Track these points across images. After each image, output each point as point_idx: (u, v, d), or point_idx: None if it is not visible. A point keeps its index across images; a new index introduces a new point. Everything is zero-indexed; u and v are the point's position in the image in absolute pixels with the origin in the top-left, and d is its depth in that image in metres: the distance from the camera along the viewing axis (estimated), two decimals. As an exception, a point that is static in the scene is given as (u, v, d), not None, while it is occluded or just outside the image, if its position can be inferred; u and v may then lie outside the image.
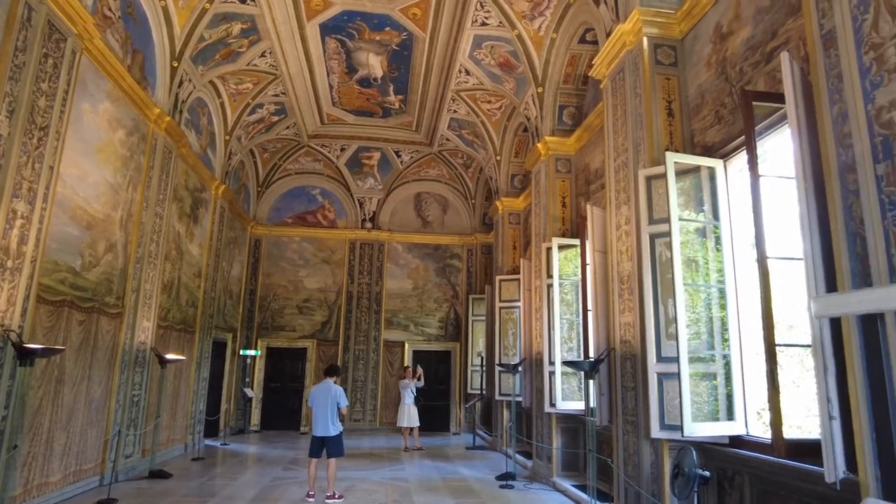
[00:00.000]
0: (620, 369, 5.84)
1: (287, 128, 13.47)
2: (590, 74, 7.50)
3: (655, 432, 5.07)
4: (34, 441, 6.08)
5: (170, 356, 8.73)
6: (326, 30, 10.12)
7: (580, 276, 8.06)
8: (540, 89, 9.32)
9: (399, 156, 15.17)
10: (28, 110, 5.53)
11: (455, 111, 12.43)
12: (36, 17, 5.60)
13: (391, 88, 12.26)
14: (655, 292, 5.27)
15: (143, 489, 7.36)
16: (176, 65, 8.93)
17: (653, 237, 5.41)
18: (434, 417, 14.26)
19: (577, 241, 8.32)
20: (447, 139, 13.90)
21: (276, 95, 11.94)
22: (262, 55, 10.51)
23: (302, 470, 8.82)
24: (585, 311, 7.83)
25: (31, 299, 5.69)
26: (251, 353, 14.27)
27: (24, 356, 5.09)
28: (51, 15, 5.78)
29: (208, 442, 11.74)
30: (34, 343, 5.55)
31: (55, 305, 6.32)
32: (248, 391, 13.69)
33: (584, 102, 9.22)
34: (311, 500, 6.83)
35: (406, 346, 14.96)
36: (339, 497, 6.87)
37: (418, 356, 14.82)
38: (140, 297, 8.33)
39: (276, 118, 12.90)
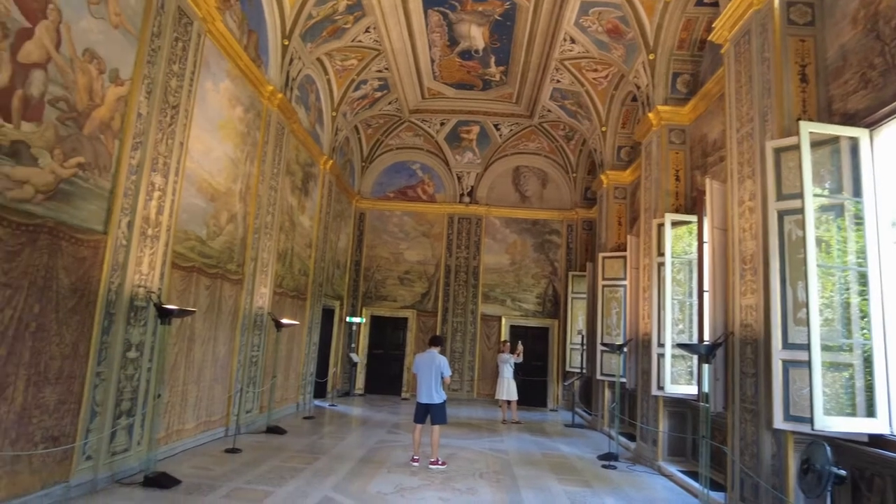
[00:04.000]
0: (739, 354, 5.48)
1: (389, 103, 13.70)
2: (709, 39, 6.96)
3: (778, 423, 4.73)
4: (172, 392, 6.74)
5: (284, 321, 9.30)
6: (429, 2, 10.09)
7: (695, 254, 7.61)
8: (651, 56, 8.78)
9: (498, 129, 15.00)
10: (162, 91, 5.99)
11: (558, 81, 12.03)
12: (168, 4, 6.00)
13: (492, 60, 12.08)
14: (783, 274, 4.86)
15: (262, 442, 7.96)
16: (287, 43, 9.29)
17: (781, 214, 4.97)
18: (531, 393, 14.24)
19: (692, 218, 7.85)
20: (548, 110, 13.53)
21: (380, 71, 12.13)
22: (367, 31, 10.69)
23: (404, 434, 9.17)
24: (701, 292, 7.40)
25: (167, 265, 6.24)
26: (356, 320, 14.92)
27: (164, 315, 5.64)
28: (180, 1, 6.17)
29: (317, 402, 12.48)
30: (171, 304, 6.09)
31: (186, 271, 6.90)
32: (354, 356, 14.37)
33: (700, 69, 8.59)
34: (415, 464, 7.07)
35: (503, 320, 14.98)
36: (443, 463, 7.06)
37: (515, 331, 14.81)
38: (258, 265, 8.90)
39: (379, 94, 13.15)
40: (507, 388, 11.42)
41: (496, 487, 6.35)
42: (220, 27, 7.17)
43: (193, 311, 6.33)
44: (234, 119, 8.03)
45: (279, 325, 9.14)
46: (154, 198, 5.93)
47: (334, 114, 12.35)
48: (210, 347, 7.66)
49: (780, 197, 5.01)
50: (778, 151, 5.08)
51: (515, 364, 11.77)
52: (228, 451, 7.14)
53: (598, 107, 11.82)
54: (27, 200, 4.39)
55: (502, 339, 14.09)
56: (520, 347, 12.22)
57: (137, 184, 5.65)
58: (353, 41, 10.87)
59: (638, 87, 9.59)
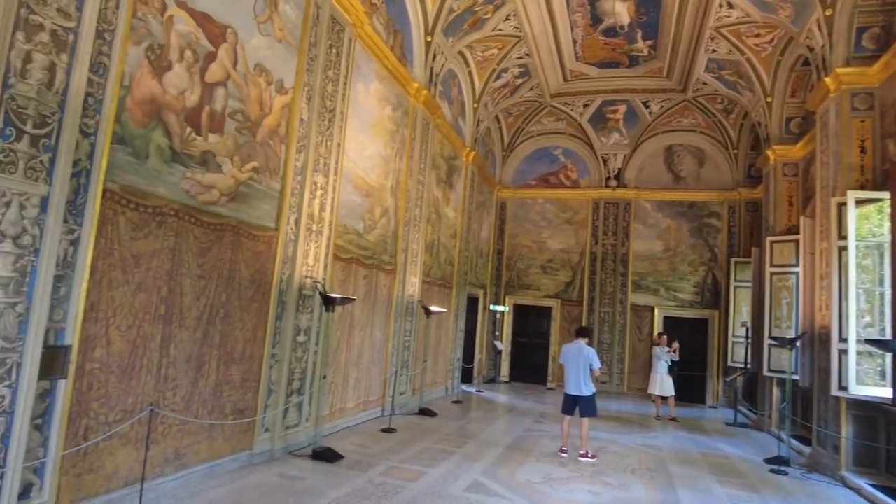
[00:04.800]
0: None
1: (530, 89, 13.55)
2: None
3: None
4: (335, 373, 7.34)
5: (433, 308, 9.67)
6: (571, -18, 9.78)
7: (887, 236, 6.59)
8: (828, 11, 7.70)
9: (647, 106, 14.15)
10: (320, 96, 6.49)
11: (714, 51, 11.04)
12: (322, 14, 6.47)
13: (639, 35, 11.40)
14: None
15: (415, 423, 8.38)
16: (429, 39, 9.56)
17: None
18: (688, 388, 13.30)
19: (883, 195, 6.79)
20: (703, 83, 12.48)
21: (520, 58, 12.04)
22: (507, 19, 10.64)
23: (552, 424, 9.11)
24: (895, 280, 6.40)
25: (329, 257, 6.79)
26: (500, 308, 15.08)
27: (328, 303, 6.17)
28: (332, 10, 6.62)
29: (464, 387, 12.85)
30: (333, 293, 6.62)
31: (346, 262, 7.45)
32: (498, 344, 14.55)
33: (894, 20, 7.35)
34: (564, 455, 7.01)
35: (655, 311, 14.18)
36: (592, 456, 6.92)
37: (669, 323, 13.94)
38: (408, 256, 9.35)
39: (519, 81, 13.06)
40: (661, 383, 10.80)
41: (650, 485, 6.07)
42: (368, 30, 7.59)
43: (354, 300, 6.83)
44: (384, 118, 8.46)
45: (428, 313, 9.53)
46: (317, 196, 6.47)
47: (476, 105, 12.51)
48: (368, 332, 8.21)
49: None
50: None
51: (673, 361, 11.03)
52: (384, 430, 7.62)
53: (762, 75, 10.65)
54: (214, 203, 5.02)
55: (658, 331, 13.30)
56: (675, 345, 11.33)
57: (302, 183, 6.20)
58: (493, 31, 10.89)
59: (811, 50, 8.48)
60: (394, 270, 8.99)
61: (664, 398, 10.88)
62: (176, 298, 4.64)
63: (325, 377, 6.51)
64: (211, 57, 4.92)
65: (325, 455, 5.95)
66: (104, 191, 3.90)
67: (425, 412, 9.15)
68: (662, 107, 14.06)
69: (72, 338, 3.68)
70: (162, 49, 4.41)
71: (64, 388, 3.67)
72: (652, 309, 14.22)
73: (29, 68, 3.29)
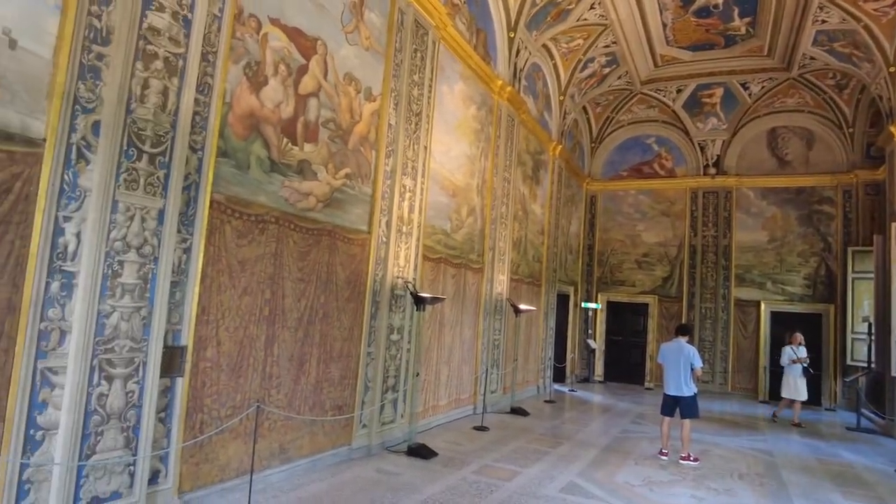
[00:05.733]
0: None
1: (618, 78, 13.08)
2: None
3: None
4: (427, 371, 7.47)
5: (522, 306, 9.60)
6: (659, -37, 9.34)
7: None
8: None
9: (746, 88, 13.23)
10: (407, 101, 6.61)
11: (822, 21, 10.14)
12: (406, 19, 6.59)
13: (735, 12, 10.68)
14: None
15: (507, 422, 8.36)
16: (512, 35, 9.48)
17: None
18: (801, 388, 12.33)
19: None
20: (811, 58, 11.49)
21: (607, 46, 11.65)
22: (591, 7, 10.34)
23: (650, 425, 8.77)
24: None
25: (419, 257, 6.92)
26: (592, 306, 14.69)
27: (419, 303, 6.31)
28: (416, 14, 6.73)
29: (557, 387, 12.65)
30: (424, 293, 6.74)
31: (434, 262, 7.55)
32: (591, 342, 14.18)
33: None
34: (664, 458, 6.72)
35: (762, 306, 13.22)
36: (695, 460, 6.58)
37: (778, 318, 12.96)
38: (495, 254, 9.33)
39: (607, 70, 12.64)
40: (796, 387, 9.95)
41: (760, 492, 5.68)
42: (451, 32, 7.64)
43: (443, 299, 6.92)
44: (469, 117, 8.49)
45: (517, 311, 9.47)
46: (406, 198, 6.62)
47: (562, 98, 12.26)
48: (457, 331, 8.28)
49: None
50: None
51: (803, 365, 10.05)
52: (476, 428, 7.66)
53: (883, 43, 9.64)
54: (311, 209, 5.26)
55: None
56: (798, 336, 10.25)
57: (392, 187, 6.36)
58: (577, 21, 10.62)
59: (944, 11, 7.57)
60: (481, 269, 9.00)
61: (793, 402, 10.04)
62: (278, 300, 4.91)
63: (417, 375, 6.64)
64: (303, 69, 5.15)
65: (420, 451, 6.07)
66: (211, 202, 4.19)
67: (517, 411, 9.10)
68: (764, 87, 13.09)
69: (187, 339, 4.00)
70: (258, 65, 4.68)
71: (182, 385, 3.99)
72: (758, 304, 13.28)
73: (146, 93, 3.61)
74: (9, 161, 3.07)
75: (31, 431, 3.16)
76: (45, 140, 3.20)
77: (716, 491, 5.61)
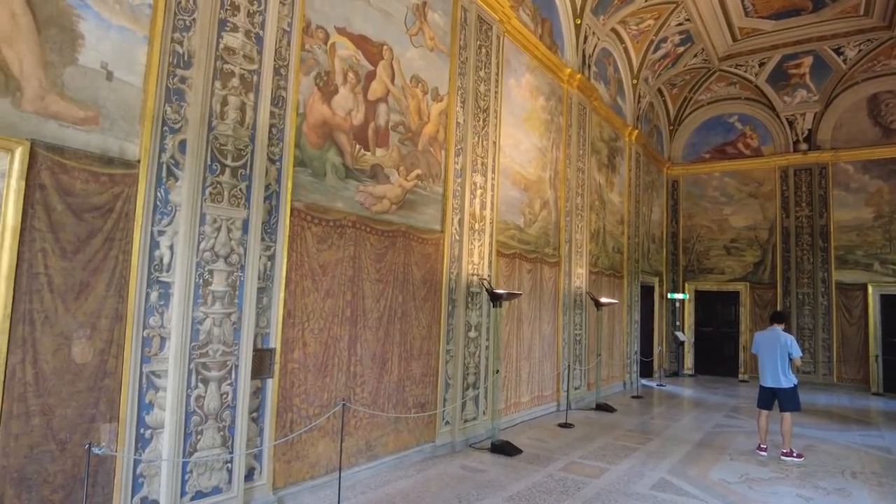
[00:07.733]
0: None
1: (694, 56, 12.45)
2: None
3: None
4: (507, 368, 7.43)
5: (603, 299, 9.35)
6: (734, -71, 8.79)
7: None
8: None
9: (840, 53, 12.19)
10: (474, 98, 6.60)
11: (930, -27, 9.18)
12: (469, 16, 6.58)
13: (825, -28, 9.89)
14: None
15: (592, 419, 8.16)
16: (579, 21, 9.24)
17: None
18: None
19: None
20: (918, 15, 10.43)
21: (680, 24, 11.12)
22: (662, -15, 9.90)
23: (745, 419, 8.31)
24: None
25: (493, 254, 6.90)
26: (679, 296, 14.07)
27: (495, 299, 6.28)
28: (479, 10, 6.70)
29: (644, 382, 12.22)
30: (499, 289, 6.71)
31: (509, 258, 7.50)
32: (680, 335, 13.59)
33: None
34: (762, 453, 6.32)
35: (869, 289, 12.13)
36: (798, 456, 6.14)
37: (889, 302, 11.87)
38: (572, 247, 9.14)
39: (681, 49, 12.07)
40: None
41: (879, 493, 5.22)
42: (515, 24, 7.55)
43: (520, 294, 6.85)
44: (537, 109, 8.37)
45: (598, 304, 9.23)
46: (477, 196, 6.61)
47: (635, 81, 11.83)
48: (536, 326, 8.18)
49: None
50: None
51: None
52: (560, 425, 7.54)
53: None
54: (385, 211, 5.37)
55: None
56: None
57: (462, 185, 6.37)
58: (646, 1, 10.20)
59: None
60: (558, 263, 8.84)
61: None
62: (359, 301, 5.05)
63: (497, 371, 6.62)
64: (371, 75, 5.26)
65: (504, 448, 6.05)
66: (292, 210, 4.37)
67: (603, 407, 8.86)
68: (861, 50, 12.01)
69: (275, 341, 4.19)
70: (328, 75, 4.82)
71: (272, 385, 4.18)
72: (864, 287, 12.21)
73: (226, 110, 3.81)
74: (111, 183, 3.34)
75: (142, 430, 3.42)
76: (139, 161, 3.45)
77: (825, 490, 5.21)
